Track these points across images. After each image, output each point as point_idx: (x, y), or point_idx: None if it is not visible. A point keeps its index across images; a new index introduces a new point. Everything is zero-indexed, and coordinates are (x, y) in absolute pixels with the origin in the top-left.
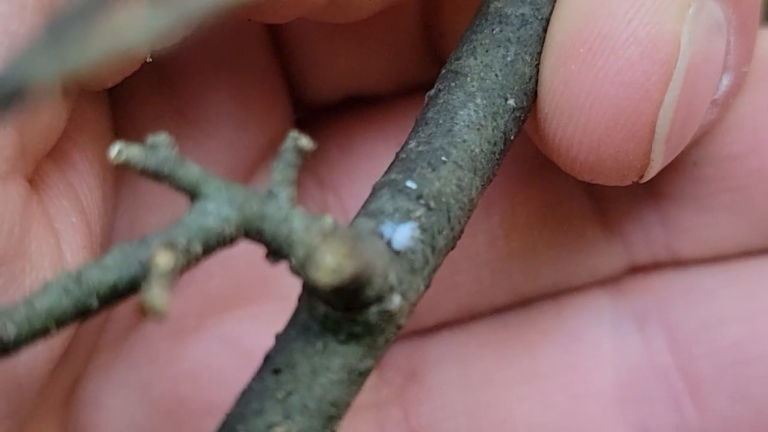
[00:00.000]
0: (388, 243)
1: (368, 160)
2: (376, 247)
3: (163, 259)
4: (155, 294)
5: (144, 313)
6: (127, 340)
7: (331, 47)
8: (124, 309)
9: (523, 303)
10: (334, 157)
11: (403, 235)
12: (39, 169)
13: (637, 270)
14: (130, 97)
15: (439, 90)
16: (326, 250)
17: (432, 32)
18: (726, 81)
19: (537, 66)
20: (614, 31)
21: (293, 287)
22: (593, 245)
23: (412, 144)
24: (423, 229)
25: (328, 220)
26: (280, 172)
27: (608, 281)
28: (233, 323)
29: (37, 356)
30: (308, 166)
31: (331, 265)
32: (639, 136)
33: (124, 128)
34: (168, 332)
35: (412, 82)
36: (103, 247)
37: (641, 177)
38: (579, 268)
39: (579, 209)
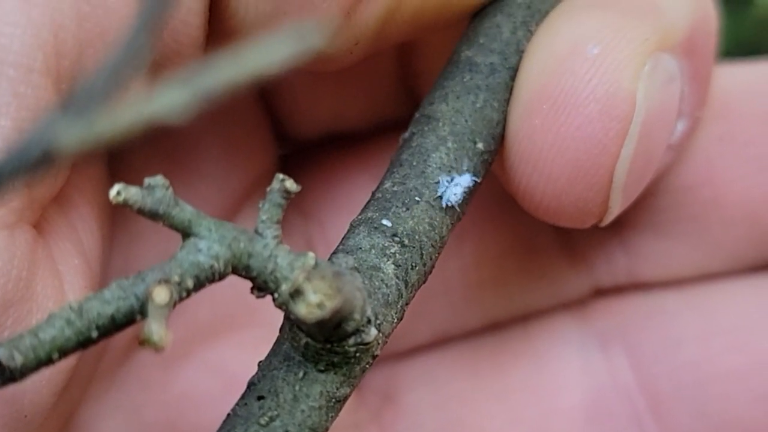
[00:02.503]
0: (440, 197)
1: (348, 193)
2: (355, 283)
3: (160, 295)
4: (154, 328)
5: (144, 345)
6: (120, 368)
7: (313, 90)
8: (119, 340)
9: (493, 327)
10: (317, 190)
11: (455, 193)
12: (44, 213)
13: (600, 294)
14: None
15: (413, 133)
16: (310, 287)
17: (407, 74)
18: (681, 127)
19: (504, 112)
20: (575, 90)
21: (276, 315)
22: (559, 271)
23: (388, 184)
24: (397, 265)
25: (310, 257)
26: (267, 212)
27: (574, 305)
28: (220, 350)
29: (41, 389)
30: (293, 198)
31: (315, 301)
32: (598, 187)
33: (118, 171)
34: (158, 360)
35: (389, 119)
36: (101, 284)
37: (600, 221)
38: (546, 293)
39: (545, 238)
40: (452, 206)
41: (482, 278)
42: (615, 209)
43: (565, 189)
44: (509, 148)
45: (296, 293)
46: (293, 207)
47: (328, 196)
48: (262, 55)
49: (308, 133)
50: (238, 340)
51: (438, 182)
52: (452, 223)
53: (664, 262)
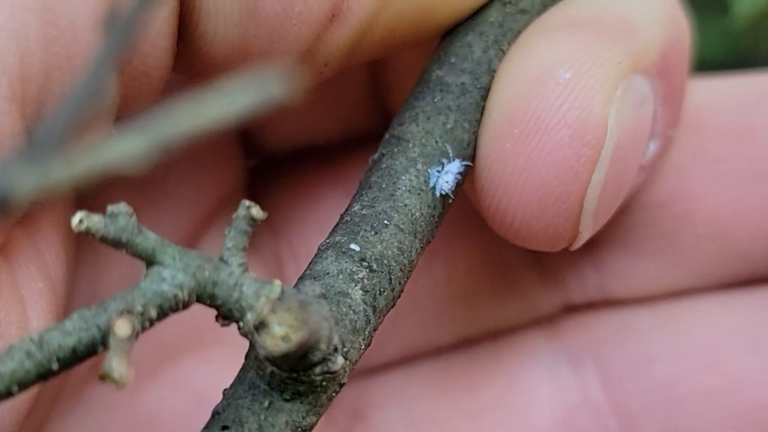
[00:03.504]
0: (433, 188)
1: (318, 208)
2: (322, 312)
3: (122, 328)
4: (114, 364)
5: (104, 381)
6: (86, 387)
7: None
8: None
9: (464, 344)
10: (287, 205)
11: (447, 180)
12: (8, 236)
13: (572, 310)
14: None
15: (382, 154)
16: (275, 319)
17: (379, 88)
18: (653, 147)
19: (475, 133)
20: (546, 114)
21: None
22: (531, 288)
23: (356, 207)
24: (365, 290)
25: (276, 285)
26: (232, 240)
27: (545, 322)
28: (187, 368)
29: (3, 418)
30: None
31: (279, 334)
32: (568, 213)
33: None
34: None
35: (361, 132)
36: (66, 308)
37: (571, 245)
38: (518, 309)
39: (517, 254)
40: (446, 194)
41: (453, 294)
42: (585, 234)
43: (535, 214)
44: (479, 171)
45: (261, 325)
46: (262, 222)
47: (298, 211)
48: (222, 103)
49: (278, 145)
50: (206, 357)
51: (429, 174)
52: (422, 247)
53: (635, 279)
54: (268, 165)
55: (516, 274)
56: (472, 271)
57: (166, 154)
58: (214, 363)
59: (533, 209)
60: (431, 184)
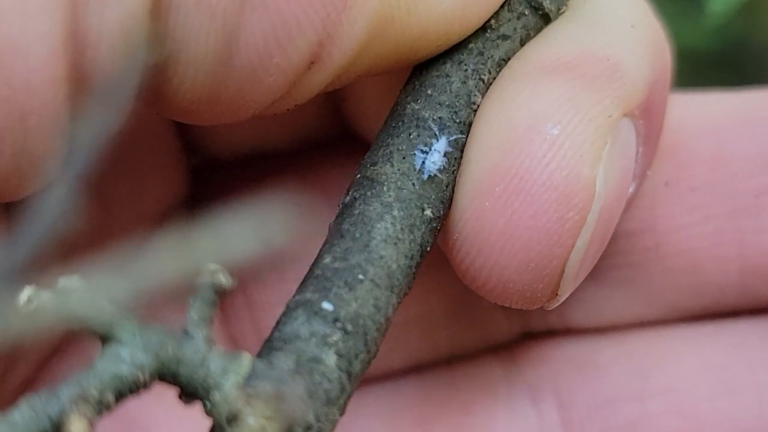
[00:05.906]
0: (420, 170)
1: None
2: (297, 392)
3: (76, 426)
4: None
5: None
6: None
7: None
8: (11, 386)
9: (417, 370)
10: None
11: (433, 162)
12: None
13: (530, 338)
14: None
15: (354, 198)
16: (249, 411)
17: (334, 95)
18: (632, 189)
19: (455, 172)
20: (531, 174)
21: None
22: (488, 312)
23: (328, 259)
24: (340, 354)
25: (245, 360)
26: (197, 311)
27: (502, 349)
28: (133, 400)
29: None
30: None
31: (255, 427)
32: (549, 277)
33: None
34: None
35: (312, 138)
36: None
37: (547, 306)
38: (474, 334)
39: None
40: (434, 175)
41: (406, 317)
42: (564, 296)
43: (513, 277)
44: (454, 225)
45: (233, 417)
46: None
47: None
48: (213, 247)
49: (227, 153)
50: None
51: (414, 154)
52: (399, 301)
53: (599, 309)
54: (213, 171)
55: (472, 298)
56: (427, 294)
57: (149, 299)
58: (153, 395)
59: (511, 272)
60: (417, 167)
